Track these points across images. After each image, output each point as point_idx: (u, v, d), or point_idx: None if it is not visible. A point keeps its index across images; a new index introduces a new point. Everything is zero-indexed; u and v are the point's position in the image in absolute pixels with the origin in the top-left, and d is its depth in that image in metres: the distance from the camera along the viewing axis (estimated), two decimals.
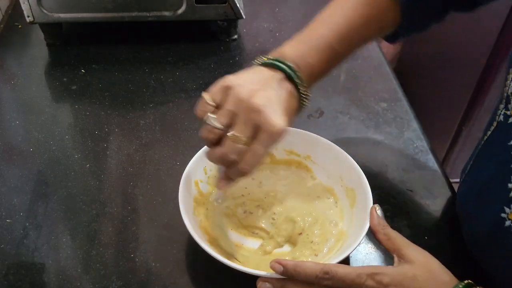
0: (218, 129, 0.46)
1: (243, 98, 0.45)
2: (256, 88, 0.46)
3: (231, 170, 0.47)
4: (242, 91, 0.45)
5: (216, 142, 0.47)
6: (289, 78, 0.49)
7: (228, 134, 0.45)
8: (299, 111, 0.51)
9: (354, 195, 0.57)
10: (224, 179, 0.49)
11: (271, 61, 0.49)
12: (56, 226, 0.58)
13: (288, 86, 0.49)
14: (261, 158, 0.46)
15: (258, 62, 0.51)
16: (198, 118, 0.48)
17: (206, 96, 0.48)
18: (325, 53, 0.52)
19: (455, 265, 0.55)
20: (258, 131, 0.44)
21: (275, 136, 0.44)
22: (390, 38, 0.59)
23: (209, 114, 0.46)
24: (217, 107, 0.47)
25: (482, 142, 0.53)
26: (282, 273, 0.44)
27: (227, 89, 0.46)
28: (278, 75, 0.49)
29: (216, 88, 0.47)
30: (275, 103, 0.46)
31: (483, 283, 0.45)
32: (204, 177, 0.59)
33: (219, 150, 0.46)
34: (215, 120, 0.46)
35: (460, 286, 0.44)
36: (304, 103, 0.51)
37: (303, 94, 0.50)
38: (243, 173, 0.47)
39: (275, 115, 0.45)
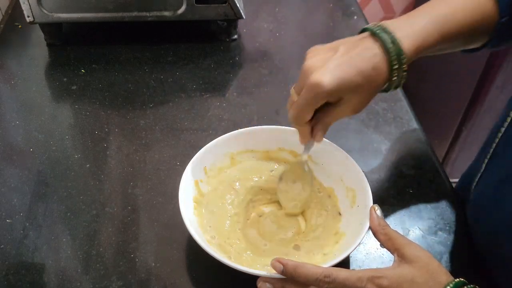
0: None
1: (304, 66, 0.47)
2: (323, 57, 0.46)
3: None
4: (307, 63, 0.47)
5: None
6: (381, 42, 0.46)
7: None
8: (387, 84, 0.48)
9: (354, 195, 0.57)
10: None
11: (370, 27, 0.48)
12: (56, 226, 0.58)
13: (370, 45, 0.46)
14: (299, 108, 0.48)
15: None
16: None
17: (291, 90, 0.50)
18: (433, 28, 0.48)
19: (455, 265, 0.56)
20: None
21: (309, 88, 0.46)
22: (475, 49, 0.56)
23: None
24: None
25: (497, 138, 0.52)
26: (282, 273, 0.44)
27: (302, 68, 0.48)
28: (362, 38, 0.47)
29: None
30: (332, 64, 0.45)
31: (483, 283, 0.45)
32: (204, 177, 0.59)
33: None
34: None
35: (451, 285, 0.43)
36: (394, 74, 0.47)
37: (395, 66, 0.46)
38: (292, 121, 0.50)
39: (319, 73, 0.45)
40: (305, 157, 0.56)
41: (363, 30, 0.48)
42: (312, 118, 0.50)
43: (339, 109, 0.48)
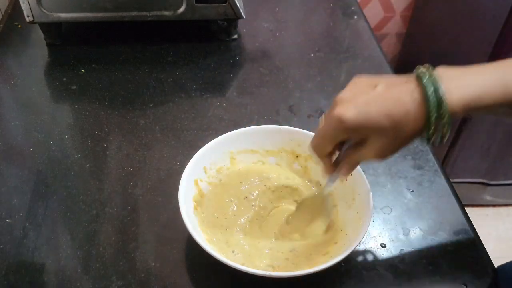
0: None
1: (336, 97, 0.45)
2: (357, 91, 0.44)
3: None
4: (340, 94, 0.45)
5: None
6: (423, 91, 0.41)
7: None
8: (427, 136, 0.42)
9: (354, 195, 0.57)
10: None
11: (421, 71, 0.43)
12: (56, 226, 0.58)
13: (408, 89, 0.41)
14: (319, 138, 0.47)
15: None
16: None
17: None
18: (492, 78, 0.42)
19: (456, 265, 0.56)
20: None
21: (330, 120, 0.44)
22: None
23: None
24: None
25: None
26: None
27: None
28: (405, 81, 0.43)
29: None
30: (362, 100, 0.42)
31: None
32: (204, 176, 0.59)
33: None
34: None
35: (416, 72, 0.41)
36: (432, 127, 0.41)
37: (433, 117, 0.40)
38: (311, 150, 0.49)
39: (344, 106, 0.42)
40: (327, 190, 0.54)
41: (415, 72, 0.43)
42: (343, 152, 0.48)
43: (364, 149, 0.45)
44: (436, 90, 0.40)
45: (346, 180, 0.56)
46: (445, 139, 0.42)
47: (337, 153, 0.49)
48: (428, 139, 0.42)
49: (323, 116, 0.46)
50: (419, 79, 0.41)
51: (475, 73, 0.42)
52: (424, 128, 0.42)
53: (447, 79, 0.41)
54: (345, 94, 0.44)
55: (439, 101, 0.40)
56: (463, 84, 0.41)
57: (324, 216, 0.57)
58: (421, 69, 0.42)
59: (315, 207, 0.56)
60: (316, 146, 0.48)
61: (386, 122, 0.41)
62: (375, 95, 0.42)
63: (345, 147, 0.48)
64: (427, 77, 0.41)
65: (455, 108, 0.40)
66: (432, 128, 0.41)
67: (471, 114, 0.43)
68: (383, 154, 0.45)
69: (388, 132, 0.42)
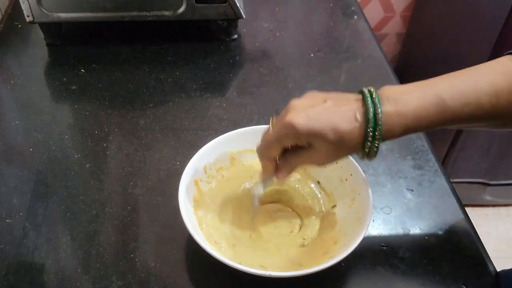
0: None
1: (289, 105, 0.47)
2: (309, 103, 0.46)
3: None
4: (292, 103, 0.47)
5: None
6: (364, 103, 0.44)
7: None
8: (359, 150, 0.45)
9: (354, 195, 0.57)
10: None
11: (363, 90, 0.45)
12: (55, 226, 0.58)
13: (354, 108, 0.44)
14: (268, 141, 0.48)
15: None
16: None
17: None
18: (430, 102, 0.43)
19: (456, 265, 0.56)
20: None
21: (282, 125, 0.46)
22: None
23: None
24: None
25: None
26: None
27: None
28: (353, 99, 0.45)
29: None
30: (312, 112, 0.45)
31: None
32: (204, 176, 0.59)
33: None
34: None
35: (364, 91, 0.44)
36: (366, 146, 0.44)
37: (369, 137, 0.44)
38: (259, 153, 0.50)
39: (296, 114, 0.45)
40: (259, 191, 0.56)
41: (361, 92, 0.46)
42: (282, 157, 0.50)
43: (306, 154, 0.47)
44: (375, 114, 0.43)
45: (285, 182, 0.58)
46: (373, 159, 0.46)
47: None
48: (362, 156, 0.46)
49: (272, 121, 0.48)
50: (363, 99, 0.44)
51: (414, 93, 0.44)
52: (360, 145, 0.45)
53: (387, 102, 0.43)
54: (297, 103, 0.46)
55: (376, 124, 0.43)
56: (401, 108, 0.43)
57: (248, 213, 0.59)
58: (366, 90, 0.45)
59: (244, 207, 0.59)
60: (265, 149, 0.49)
61: (331, 135, 0.44)
62: (325, 109, 0.45)
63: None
64: (370, 99, 0.44)
65: (393, 131, 0.44)
66: (366, 148, 0.44)
67: (412, 133, 0.45)
68: (322, 162, 0.48)
69: (333, 144, 0.44)
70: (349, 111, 0.44)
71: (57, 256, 0.55)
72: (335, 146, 0.45)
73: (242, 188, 0.61)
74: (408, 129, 0.44)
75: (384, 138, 0.44)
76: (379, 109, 0.43)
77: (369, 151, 0.45)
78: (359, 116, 0.44)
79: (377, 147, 0.44)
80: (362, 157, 0.46)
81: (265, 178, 0.53)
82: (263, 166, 0.52)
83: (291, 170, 0.51)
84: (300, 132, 0.44)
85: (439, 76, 0.45)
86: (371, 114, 0.43)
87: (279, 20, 0.97)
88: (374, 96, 0.44)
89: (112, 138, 0.70)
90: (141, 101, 0.77)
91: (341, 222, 0.57)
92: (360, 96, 0.45)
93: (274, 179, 0.52)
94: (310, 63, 0.87)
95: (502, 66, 0.45)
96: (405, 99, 0.43)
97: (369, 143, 0.44)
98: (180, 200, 0.52)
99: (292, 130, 0.45)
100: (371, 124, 0.43)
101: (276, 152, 0.49)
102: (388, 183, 0.65)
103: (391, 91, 0.44)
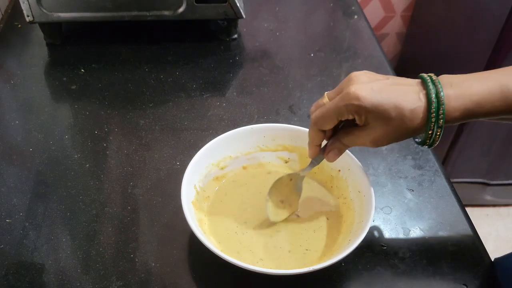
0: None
1: (351, 74, 0.46)
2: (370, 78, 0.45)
3: None
4: (355, 73, 0.46)
5: None
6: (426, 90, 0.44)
7: None
8: (422, 137, 0.45)
9: (355, 195, 0.57)
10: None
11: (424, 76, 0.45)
12: (55, 226, 0.58)
13: (417, 90, 0.44)
14: (327, 112, 0.46)
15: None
16: None
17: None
18: (494, 87, 0.43)
19: (456, 265, 0.56)
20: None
21: (345, 95, 0.44)
22: None
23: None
24: None
25: None
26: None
27: None
28: (414, 82, 0.45)
29: None
30: (377, 86, 0.44)
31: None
32: (204, 176, 0.59)
33: None
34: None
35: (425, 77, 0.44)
36: (429, 129, 0.44)
37: (432, 119, 0.43)
38: (314, 122, 0.48)
39: (361, 86, 0.43)
40: (305, 173, 0.54)
41: (420, 76, 0.45)
42: (332, 136, 0.49)
43: (361, 133, 0.46)
44: (437, 95, 0.43)
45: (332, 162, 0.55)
46: (435, 144, 0.45)
47: (324, 142, 0.50)
48: (422, 141, 0.45)
49: (326, 93, 0.47)
50: (424, 83, 0.44)
51: (475, 80, 0.44)
52: (421, 128, 0.44)
53: (449, 86, 0.43)
54: (360, 75, 0.45)
55: (439, 106, 0.43)
56: (463, 91, 0.43)
57: (293, 201, 0.57)
58: (424, 75, 0.45)
59: (290, 186, 0.57)
60: (321, 119, 0.47)
61: (394, 113, 0.43)
62: (389, 85, 0.44)
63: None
64: (431, 83, 0.43)
65: (454, 114, 0.43)
66: (429, 131, 0.44)
67: (472, 119, 0.45)
68: (379, 142, 0.46)
69: (393, 123, 0.43)
70: (412, 92, 0.44)
71: (57, 256, 0.55)
72: (394, 126, 0.44)
73: (242, 187, 0.61)
74: (468, 113, 0.43)
75: (445, 122, 0.43)
76: (442, 92, 0.42)
77: (431, 136, 0.44)
78: (422, 97, 0.43)
79: (441, 131, 0.43)
80: (423, 143, 0.45)
81: (312, 156, 0.51)
82: (311, 136, 0.50)
83: (343, 150, 0.49)
84: (364, 104, 0.43)
85: (496, 69, 0.45)
86: (433, 95, 0.42)
87: (279, 20, 0.97)
88: (434, 79, 0.44)
89: (112, 138, 0.70)
90: (141, 101, 0.77)
91: (342, 221, 0.57)
92: (419, 80, 0.45)
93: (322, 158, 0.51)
94: (310, 63, 0.87)
95: None
96: (467, 84, 0.43)
97: (432, 125, 0.43)
98: (182, 200, 0.52)
99: (355, 101, 0.43)
100: (433, 105, 0.42)
101: (331, 124, 0.47)
102: (388, 183, 0.65)
103: (451, 77, 0.44)
